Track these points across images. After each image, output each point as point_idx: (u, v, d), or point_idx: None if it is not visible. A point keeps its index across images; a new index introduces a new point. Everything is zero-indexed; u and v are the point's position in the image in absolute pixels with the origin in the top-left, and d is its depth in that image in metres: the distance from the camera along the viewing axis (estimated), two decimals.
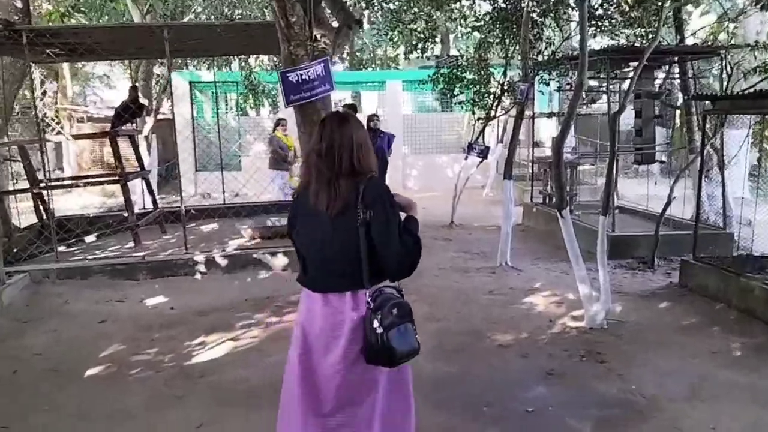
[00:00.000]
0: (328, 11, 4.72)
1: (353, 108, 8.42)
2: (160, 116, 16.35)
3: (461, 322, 5.33)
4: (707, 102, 6.23)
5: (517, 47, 8.21)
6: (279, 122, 10.39)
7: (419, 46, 9.22)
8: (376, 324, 2.20)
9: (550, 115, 12.05)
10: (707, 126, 6.13)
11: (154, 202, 8.76)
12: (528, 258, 7.72)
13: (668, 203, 7.06)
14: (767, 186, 10.01)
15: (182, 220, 6.69)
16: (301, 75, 3.21)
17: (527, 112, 12.50)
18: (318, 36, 3.20)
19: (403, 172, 14.83)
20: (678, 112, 10.10)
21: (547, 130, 18.22)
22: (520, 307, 5.80)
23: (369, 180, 2.26)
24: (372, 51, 17.36)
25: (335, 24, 3.97)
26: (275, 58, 13.97)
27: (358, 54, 19.50)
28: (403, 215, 2.37)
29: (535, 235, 9.13)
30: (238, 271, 6.65)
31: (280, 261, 6.53)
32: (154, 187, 9.67)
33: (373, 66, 20.76)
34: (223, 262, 6.57)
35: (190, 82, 14.13)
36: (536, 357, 4.53)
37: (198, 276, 6.60)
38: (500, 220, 7.65)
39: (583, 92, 11.18)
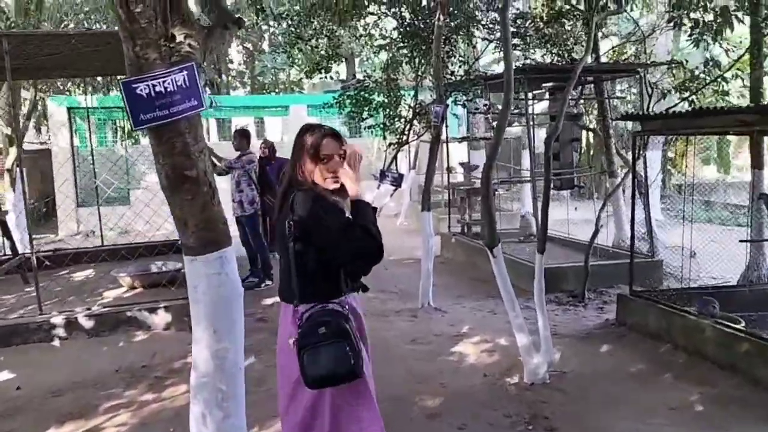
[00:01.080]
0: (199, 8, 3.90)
1: (246, 134, 7.46)
2: (36, 146, 14.61)
3: (381, 384, 4.40)
4: (632, 123, 5.80)
5: (429, 66, 7.60)
6: None
7: (321, 65, 8.42)
8: (291, 341, 2.21)
9: (462, 139, 11.57)
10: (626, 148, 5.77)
11: (13, 247, 7.37)
12: (451, 296, 7.00)
13: (596, 232, 6.58)
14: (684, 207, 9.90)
15: (34, 272, 5.37)
16: (155, 86, 2.26)
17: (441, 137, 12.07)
18: (180, 36, 2.26)
19: None
20: (589, 134, 9.86)
21: (459, 155, 17.97)
22: (448, 359, 5.02)
23: (297, 191, 2.29)
24: (274, 74, 16.47)
25: (207, 22, 3.06)
26: None
27: (260, 78, 18.52)
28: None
29: (455, 269, 8.46)
30: (108, 334, 5.40)
31: (161, 318, 5.40)
32: (14, 228, 8.25)
33: (277, 90, 19.82)
34: (88, 323, 5.33)
35: (69, 108, 12.61)
36: (475, 428, 3.75)
37: (56, 342, 5.31)
38: (419, 252, 6.92)
39: (491, 114, 10.80)
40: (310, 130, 2.39)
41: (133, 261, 7.12)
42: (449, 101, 7.24)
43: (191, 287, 2.40)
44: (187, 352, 4.82)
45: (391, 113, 8.22)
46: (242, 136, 7.29)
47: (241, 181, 7.13)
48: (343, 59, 19.35)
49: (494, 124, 15.15)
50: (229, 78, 20.33)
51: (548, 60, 7.58)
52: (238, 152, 7.23)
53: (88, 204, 13.02)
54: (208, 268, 2.36)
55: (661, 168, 10.27)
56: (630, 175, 6.95)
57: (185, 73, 2.45)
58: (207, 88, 19.45)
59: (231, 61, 21.58)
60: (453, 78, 7.38)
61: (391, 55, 8.23)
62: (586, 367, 4.71)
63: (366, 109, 8.47)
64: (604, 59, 8.84)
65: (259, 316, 6.18)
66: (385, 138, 9.11)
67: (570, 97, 8.26)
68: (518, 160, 13.90)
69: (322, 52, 8.25)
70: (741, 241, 5.63)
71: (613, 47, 7.84)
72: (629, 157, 9.40)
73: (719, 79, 6.41)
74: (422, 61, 7.68)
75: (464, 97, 7.87)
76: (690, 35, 6.76)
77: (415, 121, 8.42)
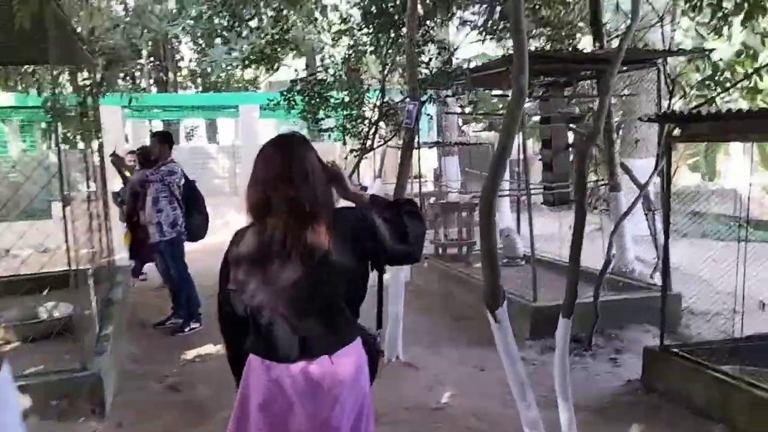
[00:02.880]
0: None
1: (166, 138, 5.98)
2: None
3: None
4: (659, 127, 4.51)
5: (398, 56, 6.22)
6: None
7: (266, 53, 6.95)
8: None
9: (435, 144, 10.23)
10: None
11: None
12: (425, 342, 5.61)
13: (607, 263, 5.28)
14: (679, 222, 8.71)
15: None
16: None
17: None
18: None
19: None
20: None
21: (428, 162, 16.66)
22: None
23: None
24: (226, 71, 14.93)
25: None
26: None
27: (209, 76, 16.88)
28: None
29: (429, 302, 7.04)
30: None
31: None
32: None
33: (228, 89, 18.17)
34: None
35: None
36: None
37: None
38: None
39: (475, 115, 9.48)
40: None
41: (17, 299, 5.53)
42: (423, 98, 5.86)
43: None
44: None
45: (353, 113, 6.81)
46: (162, 141, 5.81)
47: (159, 197, 5.64)
48: (301, 55, 17.86)
49: (466, 127, 13.85)
50: (178, 76, 18.63)
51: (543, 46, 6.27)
52: (157, 162, 5.76)
53: (3, 218, 11.33)
54: None
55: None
56: (645, 189, 5.71)
57: None
58: (153, 87, 17.73)
59: (182, 58, 19.88)
60: (429, 70, 6.01)
61: (352, 42, 6.82)
62: None
63: (322, 107, 7.04)
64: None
65: (170, 382, 4.69)
66: (345, 143, 7.70)
67: (563, 96, 7.02)
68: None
69: (268, 37, 6.76)
70: None
71: (618, 34, 6.58)
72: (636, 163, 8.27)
73: (755, 74, 5.17)
74: (390, 49, 6.28)
75: (446, 92, 6.48)
76: (710, 20, 5.56)
77: (381, 123, 7.03)
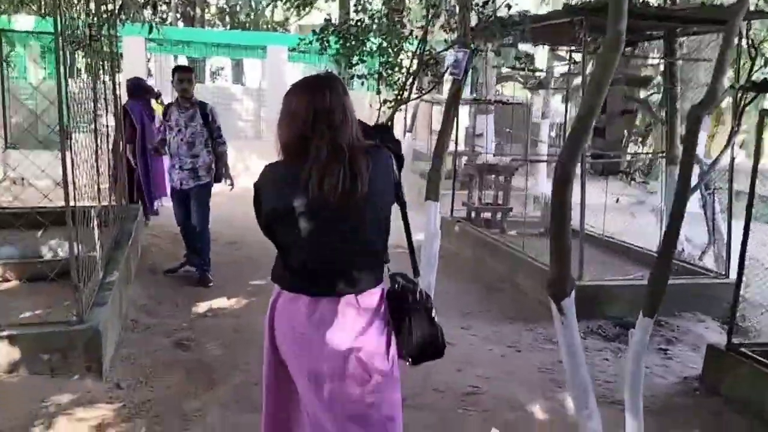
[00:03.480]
0: None
1: (187, 71, 5.52)
2: None
3: None
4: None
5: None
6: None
7: None
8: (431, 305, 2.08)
9: (473, 102, 9.59)
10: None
11: None
12: (455, 313, 5.18)
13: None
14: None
15: None
16: None
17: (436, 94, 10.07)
18: None
19: None
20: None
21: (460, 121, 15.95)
22: None
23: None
24: (255, 11, 14.19)
25: None
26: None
27: (237, 15, 16.14)
28: None
29: (459, 268, 6.57)
30: None
31: (3, 355, 3.45)
32: None
33: (256, 30, 17.45)
34: None
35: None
36: None
37: None
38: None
39: (525, 72, 8.80)
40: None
41: (21, 233, 5.13)
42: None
43: None
44: (39, 413, 3.00)
45: (390, 60, 6.22)
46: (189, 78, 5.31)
47: (195, 141, 5.20)
48: None
49: (500, 86, 13.07)
50: (206, 12, 17.93)
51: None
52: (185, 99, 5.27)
53: (22, 147, 10.97)
54: None
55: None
56: (713, 167, 5.12)
57: None
58: (179, 23, 17.09)
59: None
60: (482, 16, 5.37)
61: None
62: None
63: (357, 53, 6.44)
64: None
65: (179, 338, 4.30)
66: (379, 92, 7.12)
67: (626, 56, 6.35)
68: (532, 131, 11.91)
69: None
70: None
71: None
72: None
73: None
74: None
75: (490, 45, 5.86)
76: None
77: (423, 73, 6.43)
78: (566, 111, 6.79)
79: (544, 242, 6.87)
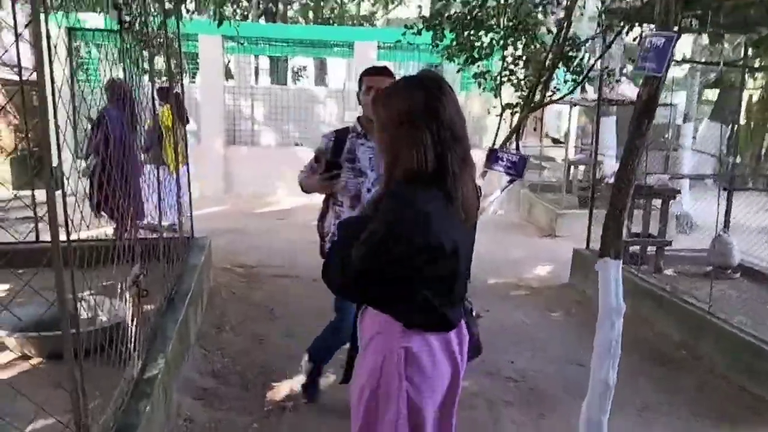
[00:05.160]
0: None
1: (384, 73, 3.55)
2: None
3: None
4: None
5: None
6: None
7: None
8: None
9: (614, 102, 7.92)
10: None
11: None
12: (629, 406, 3.65)
13: None
14: None
15: None
16: None
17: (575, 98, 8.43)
18: None
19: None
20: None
21: (554, 120, 14.18)
22: None
23: None
24: (339, 4, 12.98)
25: None
26: None
27: (321, 11, 15.00)
28: None
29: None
30: None
31: None
32: None
33: (341, 25, 16.30)
34: None
35: (69, 29, 9.64)
36: None
37: None
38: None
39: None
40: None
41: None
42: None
43: None
44: None
45: (524, 51, 4.78)
46: None
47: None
48: None
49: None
50: (288, 9, 16.94)
51: None
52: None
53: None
54: None
55: None
56: None
57: None
58: (261, 20, 16.18)
59: None
60: None
61: None
62: None
63: (477, 45, 5.04)
64: None
65: None
66: (497, 95, 5.66)
67: None
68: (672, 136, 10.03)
69: None
70: None
71: None
72: None
73: None
74: None
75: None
76: None
77: (561, 69, 4.97)
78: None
79: (724, 289, 5.27)
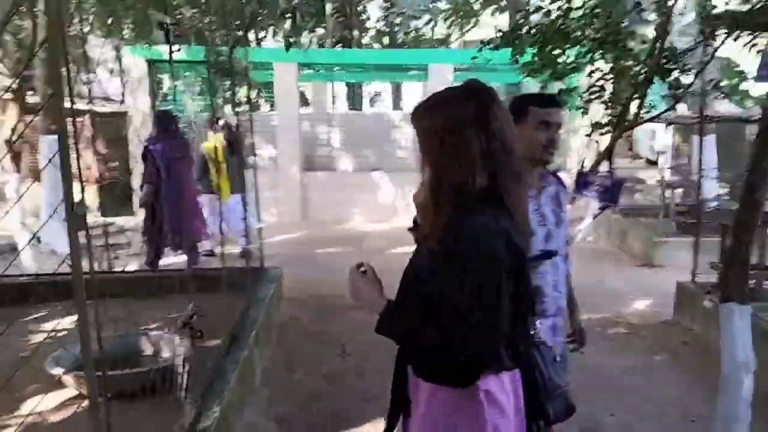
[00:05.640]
0: None
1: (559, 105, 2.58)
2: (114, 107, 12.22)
3: None
4: None
5: None
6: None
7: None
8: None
9: (713, 119, 7.28)
10: None
11: None
12: None
13: None
14: None
15: None
16: None
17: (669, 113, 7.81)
18: None
19: None
20: None
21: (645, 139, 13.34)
22: None
23: None
24: (414, 29, 12.81)
25: None
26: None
27: (395, 35, 14.88)
28: None
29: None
30: None
31: None
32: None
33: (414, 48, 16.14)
34: None
35: (150, 61, 9.93)
36: None
37: None
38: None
39: None
40: None
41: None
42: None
43: None
44: None
45: (615, 65, 4.34)
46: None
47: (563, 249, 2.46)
48: (503, 11, 15.28)
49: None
50: (363, 36, 16.99)
51: None
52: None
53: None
54: None
55: None
56: None
57: None
58: (338, 45, 16.29)
59: (368, 19, 18.18)
60: None
61: None
62: None
63: (563, 58, 4.64)
64: None
65: None
66: (584, 114, 5.20)
67: None
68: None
69: None
70: None
71: None
72: None
73: None
74: None
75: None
76: None
77: (657, 84, 4.48)
78: None
79: None
